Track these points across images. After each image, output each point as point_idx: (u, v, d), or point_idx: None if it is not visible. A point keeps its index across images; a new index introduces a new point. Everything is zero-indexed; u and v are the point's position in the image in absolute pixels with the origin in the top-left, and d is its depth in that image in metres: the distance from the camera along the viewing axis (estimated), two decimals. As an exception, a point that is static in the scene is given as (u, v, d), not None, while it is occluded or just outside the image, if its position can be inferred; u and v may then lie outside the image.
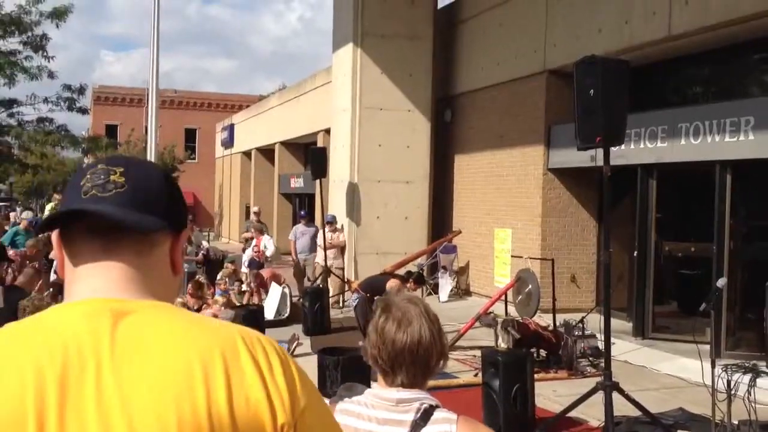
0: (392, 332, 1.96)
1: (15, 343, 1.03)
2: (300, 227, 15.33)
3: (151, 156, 23.49)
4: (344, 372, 7.25)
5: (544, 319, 9.82)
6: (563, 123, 11.73)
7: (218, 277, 12.73)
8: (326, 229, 13.86)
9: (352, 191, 14.72)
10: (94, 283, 1.10)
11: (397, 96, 14.73)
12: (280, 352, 1.11)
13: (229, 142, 33.52)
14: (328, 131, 18.33)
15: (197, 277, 12.07)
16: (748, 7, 8.69)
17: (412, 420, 1.92)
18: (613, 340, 9.98)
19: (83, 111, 24.19)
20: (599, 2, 11.17)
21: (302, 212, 16.40)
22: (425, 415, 1.93)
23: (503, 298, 10.10)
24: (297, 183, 24.84)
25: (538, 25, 12.60)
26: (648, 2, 10.16)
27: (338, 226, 14.38)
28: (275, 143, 26.95)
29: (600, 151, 6.17)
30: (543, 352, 9.13)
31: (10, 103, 23.94)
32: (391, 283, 9.52)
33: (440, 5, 15.66)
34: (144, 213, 1.10)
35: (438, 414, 1.94)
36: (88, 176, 1.13)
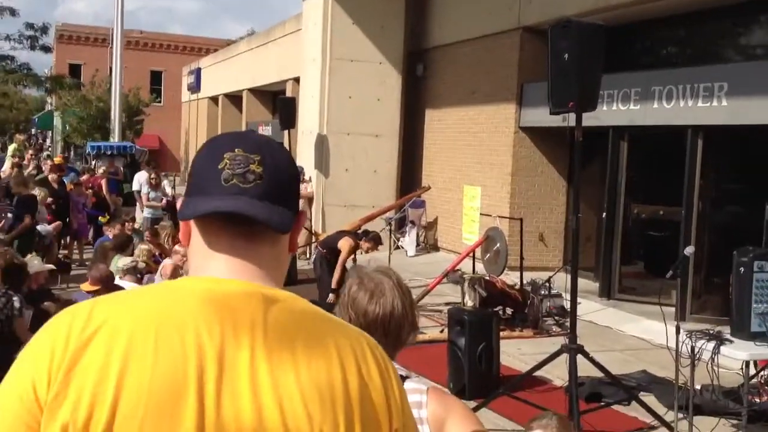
0: (364, 303, 1.93)
1: (173, 304, 1.07)
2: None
3: (115, 97, 23.03)
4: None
5: (511, 278, 9.87)
6: (536, 81, 11.61)
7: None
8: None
9: (321, 143, 14.53)
10: (235, 266, 1.13)
11: (369, 48, 14.46)
12: (387, 356, 1.20)
13: (195, 87, 32.79)
14: (297, 80, 17.99)
15: (161, 223, 11.87)
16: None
17: None
18: (579, 300, 10.15)
19: (46, 49, 23.44)
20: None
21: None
22: None
23: (471, 255, 10.12)
24: (265, 131, 24.43)
25: (514, -21, 12.38)
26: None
27: (306, 177, 14.24)
28: (243, 90, 26.48)
29: (572, 114, 6.13)
30: (509, 311, 9.20)
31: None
32: (343, 243, 9.43)
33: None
34: (279, 205, 1.14)
35: (409, 384, 1.89)
36: (227, 161, 1.14)
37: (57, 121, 34.77)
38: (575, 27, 5.50)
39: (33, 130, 47.20)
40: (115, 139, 22.48)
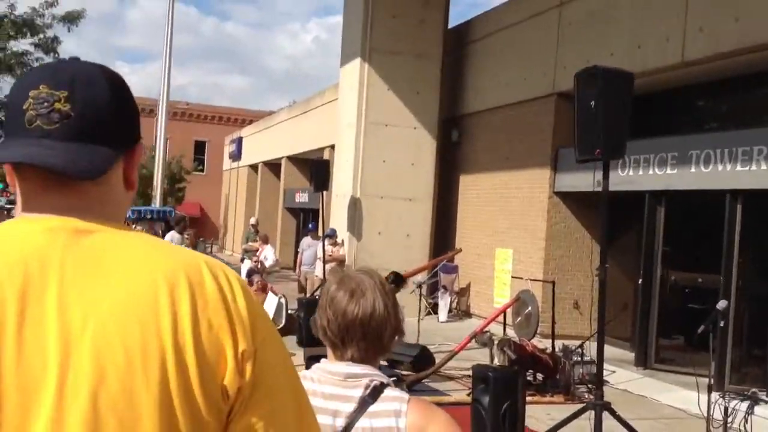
0: (344, 303, 1.83)
1: None
2: (307, 240, 15.24)
3: (158, 164, 23.62)
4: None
5: (543, 343, 9.59)
6: (571, 146, 11.56)
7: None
8: (326, 242, 13.70)
9: (354, 206, 14.57)
10: (52, 203, 1.06)
11: (403, 113, 14.63)
12: (243, 283, 1.09)
13: (236, 155, 33.53)
14: (334, 147, 18.24)
15: None
16: (761, 35, 8.54)
17: (360, 396, 1.78)
18: (614, 368, 9.82)
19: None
20: (612, 26, 11.06)
21: (310, 225, 16.30)
22: (374, 392, 1.79)
23: (501, 319, 9.89)
24: (302, 198, 24.72)
25: (548, 47, 12.50)
26: (662, 28, 10.04)
27: (338, 240, 14.22)
28: (282, 157, 26.91)
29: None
30: (540, 376, 8.89)
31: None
32: None
33: (451, 25, 15.59)
34: (94, 143, 1.05)
35: (389, 392, 1.80)
36: (31, 100, 1.06)
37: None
38: (602, 73, 5.47)
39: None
40: (156, 204, 22.92)
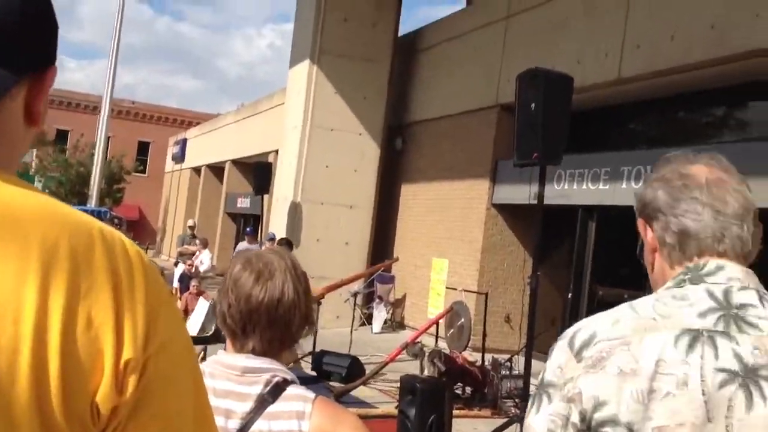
0: (248, 286, 1.61)
1: None
2: (243, 244, 14.89)
3: (96, 162, 22.93)
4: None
5: (473, 356, 9.50)
6: (510, 159, 11.57)
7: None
8: (264, 246, 13.43)
9: (294, 211, 14.33)
10: None
11: (350, 118, 14.47)
12: (149, 265, 0.84)
13: (180, 157, 32.87)
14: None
15: None
16: (698, 54, 8.67)
17: (258, 394, 1.56)
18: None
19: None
20: (557, 41, 11.12)
21: (248, 229, 15.97)
22: (275, 390, 1.57)
23: (434, 330, 9.78)
24: (243, 203, 24.32)
25: (494, 59, 12.52)
26: (602, 44, 10.12)
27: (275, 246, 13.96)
28: (226, 161, 26.45)
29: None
30: (468, 389, 8.79)
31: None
32: None
33: (402, 32, 15.53)
34: None
35: (292, 390, 1.59)
36: None
37: (37, 185, 34.58)
38: (543, 76, 5.41)
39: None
40: (92, 204, 22.23)
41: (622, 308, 1.29)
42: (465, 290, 10.64)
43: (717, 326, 1.19)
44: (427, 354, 8.84)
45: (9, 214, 0.77)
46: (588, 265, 10.39)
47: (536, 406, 1.29)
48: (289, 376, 1.61)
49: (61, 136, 41.99)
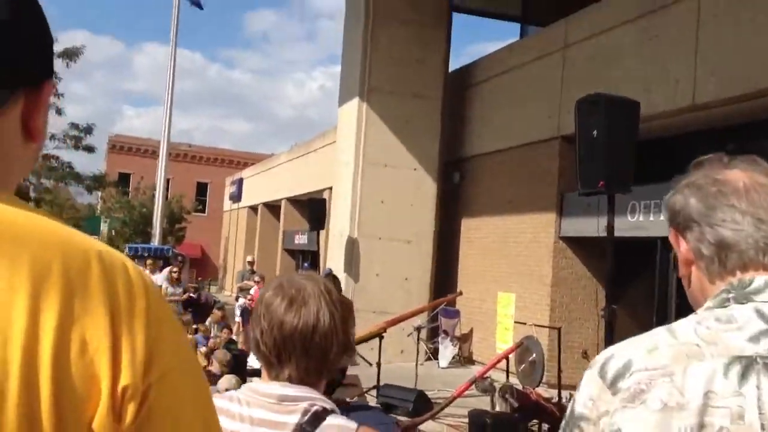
0: (281, 312, 1.53)
1: None
2: (301, 282, 14.89)
3: (158, 202, 23.47)
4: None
5: (548, 392, 9.19)
6: (576, 191, 11.33)
7: (206, 322, 12.18)
8: (322, 283, 13.39)
9: (352, 246, 14.27)
10: None
11: (403, 154, 14.42)
12: (152, 288, 0.78)
13: (237, 196, 33.40)
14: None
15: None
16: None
17: (296, 423, 1.48)
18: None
19: (89, 149, 24.21)
20: (618, 69, 10.91)
21: (305, 264, 16.00)
22: (315, 419, 1.49)
23: (504, 366, 9.49)
24: (301, 239, 24.46)
25: (552, 90, 12.35)
26: (672, 71, 9.87)
27: (336, 281, 13.89)
28: (281, 199, 26.75)
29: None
30: (546, 426, 8.46)
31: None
32: None
33: (452, 68, 15.49)
34: None
35: (333, 420, 1.50)
36: None
37: (103, 226, 35.56)
38: (605, 101, 5.23)
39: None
40: (155, 243, 22.69)
41: (659, 332, 1.17)
42: (536, 325, 10.34)
43: None
44: (497, 389, 8.57)
45: (4, 232, 0.72)
46: (672, 300, 9.98)
47: None
48: (329, 405, 1.53)
49: (123, 179, 43.11)
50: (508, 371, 9.46)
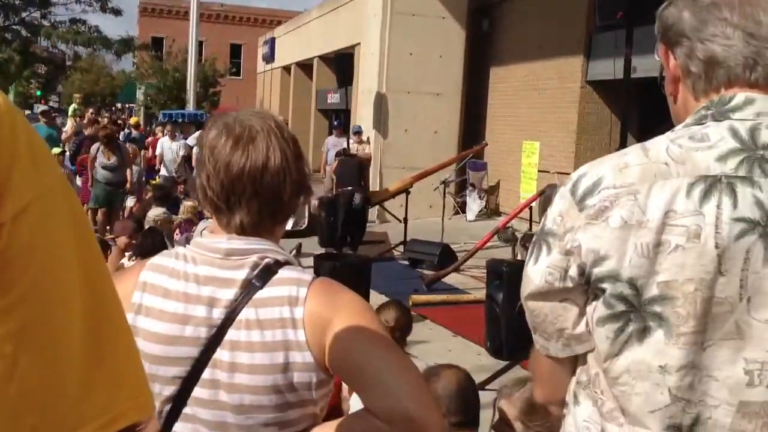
0: (226, 152, 1.39)
1: None
2: (332, 139, 14.89)
3: (190, 67, 23.20)
4: (340, 279, 6.81)
5: (569, 239, 9.20)
6: (607, 31, 10.77)
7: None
8: (352, 140, 13.34)
9: (380, 102, 14.05)
10: None
11: (431, 1, 13.82)
12: (14, 111, 0.64)
13: (270, 57, 32.86)
14: (363, 43, 17.55)
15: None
16: None
17: (244, 278, 1.36)
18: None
19: (116, 12, 23.78)
20: None
21: (336, 122, 15.89)
22: (265, 273, 1.37)
23: (527, 215, 9.48)
24: (333, 98, 24.18)
25: None
26: None
27: (364, 138, 13.82)
28: (314, 57, 26.21)
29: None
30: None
31: (44, 3, 23.72)
32: None
33: None
34: None
35: (285, 273, 1.38)
36: None
37: (138, 93, 35.60)
38: None
39: (119, 104, 48.72)
40: (190, 108, 22.65)
41: (633, 150, 1.16)
42: (559, 173, 10.22)
43: (738, 171, 1.07)
44: (519, 239, 8.60)
45: None
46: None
47: (535, 256, 1.19)
48: (282, 256, 1.40)
49: (156, 43, 42.71)
50: (531, 220, 9.46)
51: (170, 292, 1.39)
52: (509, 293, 6.13)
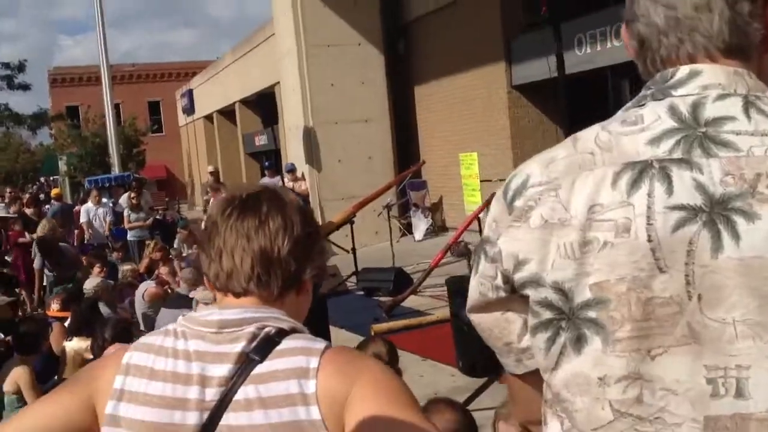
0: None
1: None
2: (266, 180, 14.58)
3: (109, 130, 22.65)
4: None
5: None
6: (523, 33, 10.86)
7: (174, 244, 11.88)
8: (286, 179, 13.07)
9: (309, 136, 13.86)
10: None
11: (345, 30, 13.78)
12: None
13: (190, 109, 32.49)
14: (282, 80, 17.38)
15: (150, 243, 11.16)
16: None
17: (239, 351, 1.17)
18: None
19: (24, 87, 23.11)
20: None
21: (266, 163, 15.63)
22: (264, 345, 1.17)
23: (476, 227, 9.37)
24: (261, 140, 23.93)
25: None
26: None
27: (299, 174, 13.58)
28: (234, 103, 25.96)
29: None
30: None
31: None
32: None
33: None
34: None
35: (289, 342, 1.17)
36: None
37: (61, 164, 34.71)
38: None
39: (42, 179, 47.28)
40: (115, 171, 22.06)
41: (565, 142, 1.08)
42: (501, 179, 10.16)
43: (674, 153, 0.96)
44: (473, 251, 8.47)
45: None
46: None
47: (474, 267, 1.11)
48: (286, 324, 1.21)
49: (72, 112, 41.66)
50: (480, 231, 9.35)
51: (156, 372, 1.18)
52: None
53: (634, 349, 0.93)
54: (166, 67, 48.99)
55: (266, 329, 1.18)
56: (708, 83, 0.99)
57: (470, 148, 12.59)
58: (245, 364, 1.15)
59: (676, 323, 0.92)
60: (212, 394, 1.15)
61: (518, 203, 1.03)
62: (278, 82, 18.89)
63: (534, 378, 1.09)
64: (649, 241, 0.93)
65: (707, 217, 0.92)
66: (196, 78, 33.08)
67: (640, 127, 0.99)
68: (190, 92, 32.40)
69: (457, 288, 6.17)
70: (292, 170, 13.44)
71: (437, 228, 14.02)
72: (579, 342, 0.97)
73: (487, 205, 9.28)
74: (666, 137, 0.96)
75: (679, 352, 0.92)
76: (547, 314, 1.00)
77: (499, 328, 1.10)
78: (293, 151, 14.34)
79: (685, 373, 0.92)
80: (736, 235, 0.90)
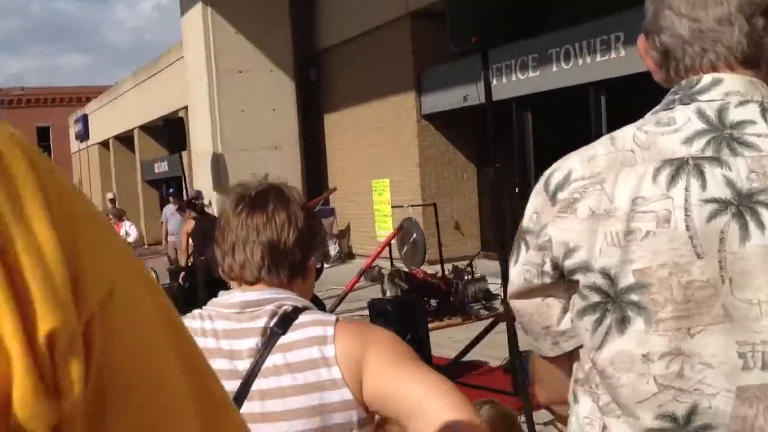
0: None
1: None
2: (170, 208, 14.20)
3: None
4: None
5: (432, 268, 9.32)
6: (433, 66, 11.21)
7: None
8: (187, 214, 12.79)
9: (217, 163, 13.69)
10: None
11: (257, 56, 13.79)
12: (40, 162, 0.41)
13: (84, 135, 31.31)
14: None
15: None
16: None
17: (263, 326, 1.33)
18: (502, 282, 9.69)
19: None
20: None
21: (170, 190, 15.24)
22: (283, 320, 1.34)
23: (387, 253, 9.51)
24: (161, 167, 23.33)
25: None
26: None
27: (206, 202, 13.32)
28: (133, 128, 25.24)
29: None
30: (434, 302, 8.61)
31: None
32: None
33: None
34: None
35: (305, 317, 1.35)
36: None
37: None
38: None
39: None
40: None
41: (602, 141, 1.16)
42: (412, 205, 10.39)
43: (705, 152, 1.06)
44: (386, 276, 8.58)
45: None
46: (530, 157, 10.23)
47: (514, 257, 1.20)
48: (300, 303, 1.38)
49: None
50: (391, 257, 9.49)
51: None
52: (396, 331, 6.03)
53: (675, 328, 1.04)
54: (58, 91, 47.07)
55: (284, 307, 1.35)
56: (729, 90, 1.10)
57: (380, 175, 12.79)
58: (270, 337, 1.31)
59: (712, 304, 1.03)
60: (243, 365, 1.30)
61: (562, 195, 1.11)
62: (185, 107, 18.58)
63: (563, 360, 1.21)
64: (687, 230, 1.03)
65: (736, 210, 1.03)
66: (93, 103, 32.01)
67: (673, 128, 1.09)
68: (84, 117, 31.28)
69: (378, 309, 6.25)
70: (196, 197, 13.15)
71: (344, 255, 14.09)
72: (623, 323, 1.07)
73: (399, 230, 9.44)
74: (698, 138, 1.06)
75: (715, 330, 1.03)
76: (595, 297, 1.09)
77: (539, 312, 1.18)
78: (200, 178, 14.11)
79: (720, 348, 1.03)
80: (761, 225, 1.02)
